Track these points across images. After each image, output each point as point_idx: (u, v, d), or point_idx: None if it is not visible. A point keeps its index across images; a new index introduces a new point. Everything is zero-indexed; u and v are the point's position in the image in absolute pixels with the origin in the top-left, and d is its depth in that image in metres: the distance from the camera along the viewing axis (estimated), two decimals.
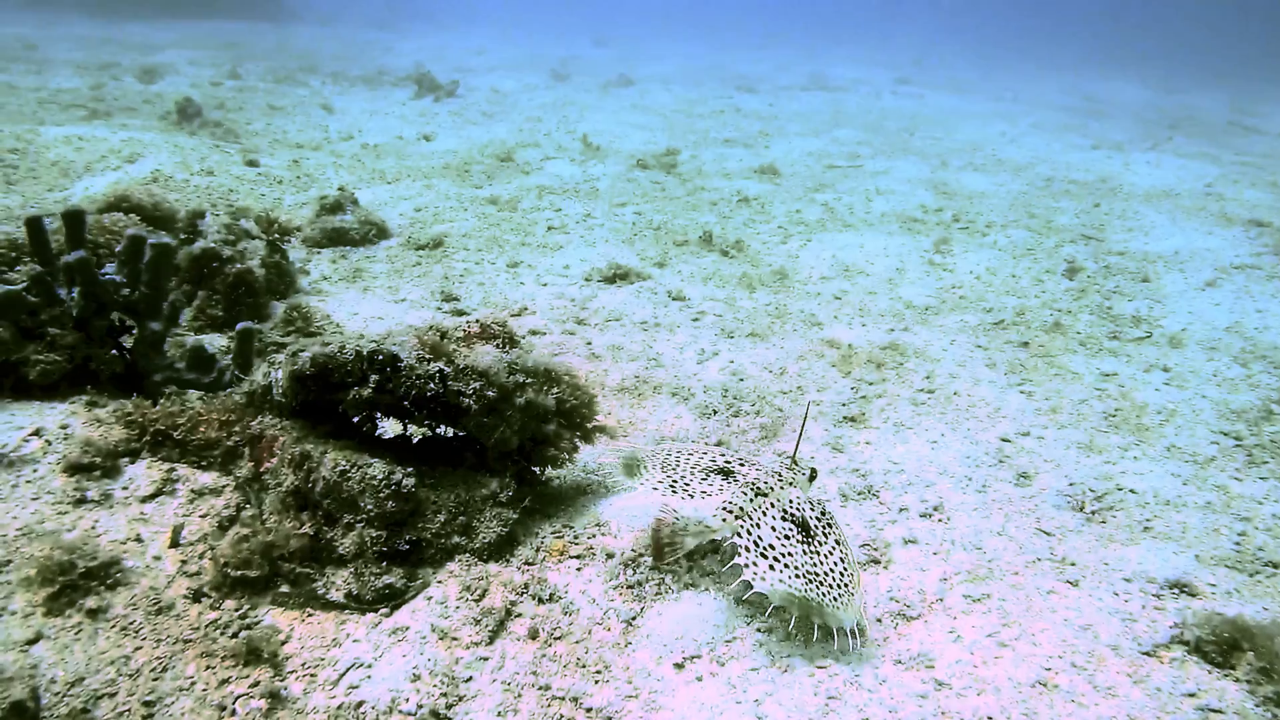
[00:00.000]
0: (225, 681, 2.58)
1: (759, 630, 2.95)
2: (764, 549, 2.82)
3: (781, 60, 25.96)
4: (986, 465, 4.10)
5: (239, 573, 2.87)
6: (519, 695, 2.64)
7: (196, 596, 2.84)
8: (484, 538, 3.20)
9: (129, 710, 2.46)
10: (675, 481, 3.19)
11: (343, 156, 9.21)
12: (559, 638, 2.88)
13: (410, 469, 3.13)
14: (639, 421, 4.38)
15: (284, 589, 2.94)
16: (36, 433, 3.24)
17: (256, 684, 2.58)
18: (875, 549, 3.42)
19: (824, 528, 2.95)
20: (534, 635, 2.89)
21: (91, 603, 2.68)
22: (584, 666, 2.77)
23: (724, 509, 2.97)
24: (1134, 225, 8.28)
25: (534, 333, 5.23)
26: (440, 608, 2.93)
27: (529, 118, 12.57)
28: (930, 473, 4.00)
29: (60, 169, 7.08)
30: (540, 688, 2.67)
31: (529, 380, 3.44)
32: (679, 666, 2.79)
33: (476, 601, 2.97)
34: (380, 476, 3.04)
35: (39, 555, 2.68)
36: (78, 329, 3.50)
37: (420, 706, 2.57)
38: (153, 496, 3.13)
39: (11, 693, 2.34)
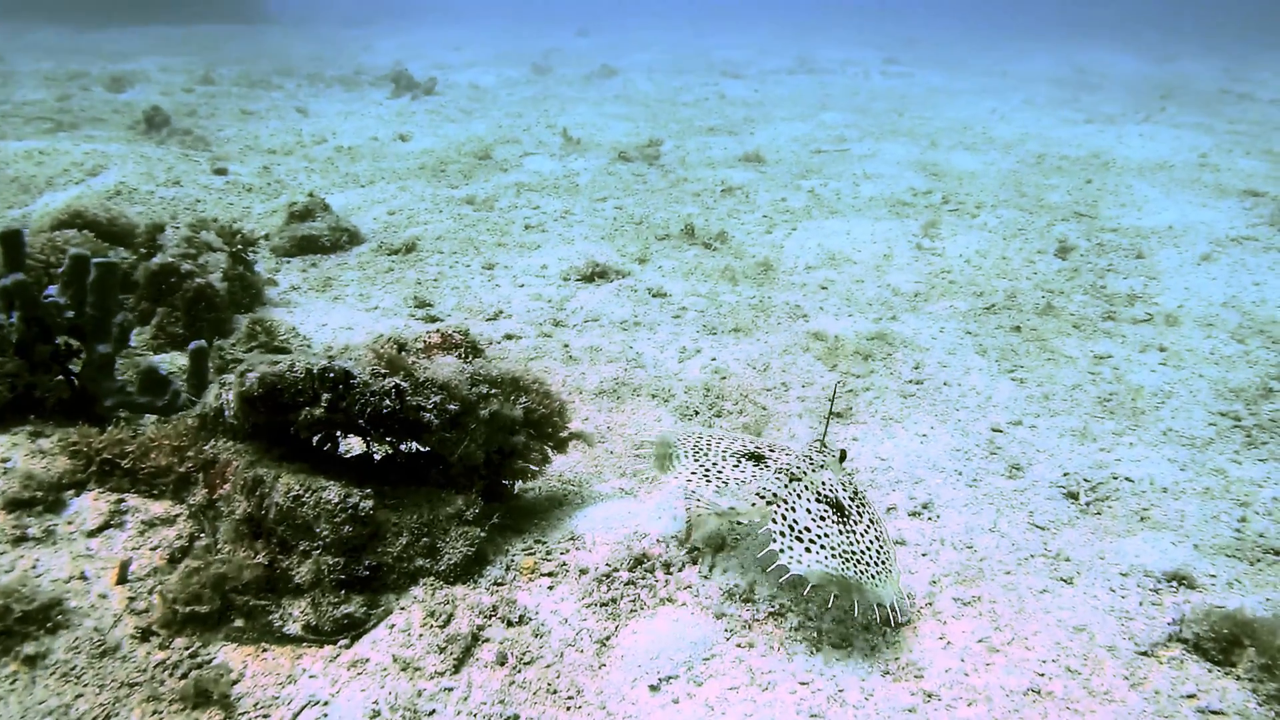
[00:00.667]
0: None
1: (738, 646, 2.81)
2: (799, 532, 2.79)
3: (767, 44, 25.69)
4: (977, 458, 3.95)
5: (189, 609, 2.73)
6: None
7: (145, 635, 2.70)
8: (450, 559, 3.05)
9: None
10: (708, 469, 3.13)
11: (316, 161, 9.03)
12: (529, 662, 2.74)
13: (368, 490, 2.98)
14: (617, 426, 4.24)
15: (238, 623, 2.80)
16: None
17: None
18: None
19: (858, 507, 2.94)
20: (502, 661, 2.75)
21: (29, 649, 2.54)
22: (555, 693, 2.64)
23: (758, 495, 2.92)
24: (1127, 200, 8.11)
25: (509, 337, 5.08)
26: (403, 636, 2.79)
27: (509, 113, 12.37)
28: (919, 469, 3.85)
29: (20, 185, 6.91)
30: (508, 718, 2.54)
31: (494, 391, 3.29)
32: (654, 689, 2.66)
33: (441, 627, 2.83)
34: (335, 500, 2.89)
35: None
36: (19, 355, 3.35)
37: None
38: (100, 530, 2.99)
39: None
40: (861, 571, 2.71)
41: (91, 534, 2.96)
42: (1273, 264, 6.31)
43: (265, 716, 2.51)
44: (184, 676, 2.58)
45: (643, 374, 4.70)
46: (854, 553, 2.76)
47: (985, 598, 3.02)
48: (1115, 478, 3.75)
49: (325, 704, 2.54)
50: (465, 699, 2.59)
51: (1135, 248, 6.72)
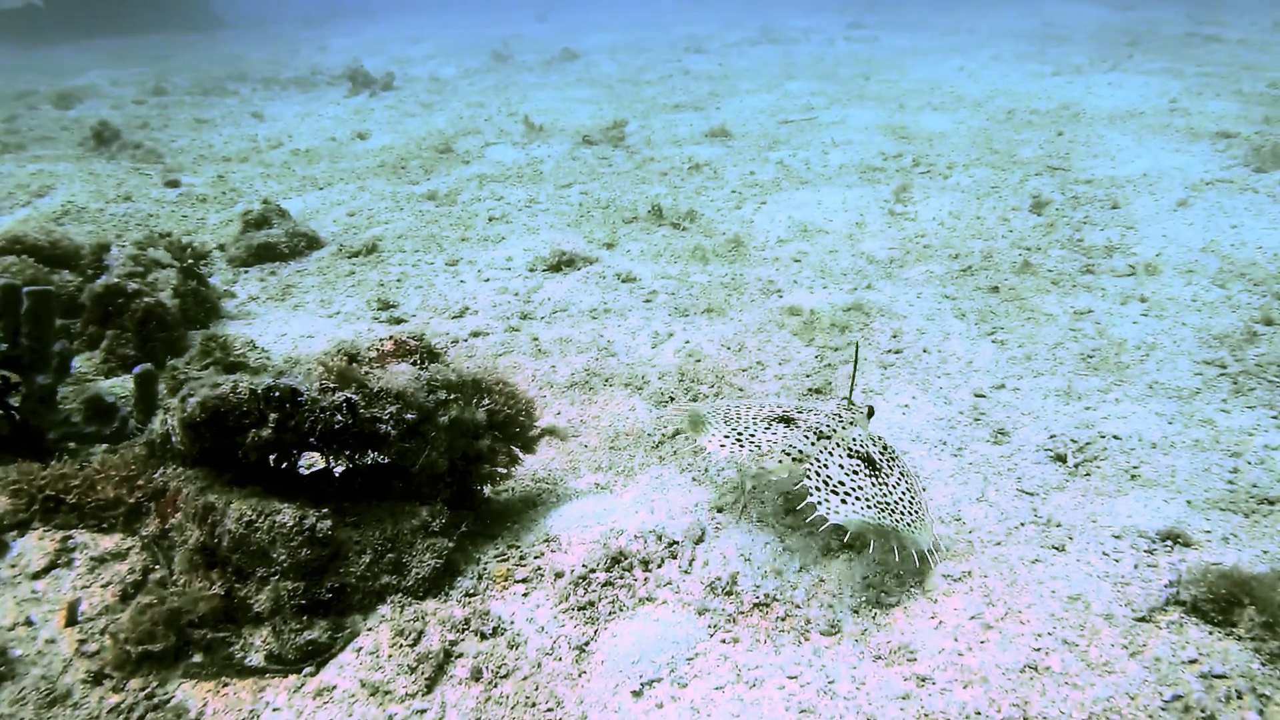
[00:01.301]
0: None
1: (723, 642, 2.70)
2: (834, 486, 2.85)
3: (730, 17, 25.37)
4: (962, 426, 3.85)
5: (142, 648, 2.59)
6: None
7: (97, 679, 2.56)
8: (417, 573, 2.92)
9: None
10: (740, 434, 3.15)
11: (272, 166, 8.78)
12: (505, 676, 2.62)
13: (325, 510, 2.84)
14: (590, 419, 4.10)
15: (196, 659, 2.66)
16: None
17: None
18: (845, 531, 3.16)
19: (888, 461, 3.02)
20: (477, 676, 2.63)
21: None
22: (534, 705, 2.52)
23: (784, 453, 2.98)
24: (1099, 151, 8.00)
25: (476, 334, 4.93)
26: (371, 659, 2.66)
27: (470, 104, 12.11)
28: (902, 441, 3.74)
29: None
30: None
31: (453, 396, 3.15)
32: (637, 694, 2.54)
33: (412, 646, 2.70)
34: (290, 523, 2.75)
35: None
36: None
37: None
38: (46, 571, 2.84)
39: None
40: (897, 520, 2.77)
41: (37, 575, 2.81)
42: (1249, 205, 6.22)
43: None
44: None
45: (615, 363, 4.57)
46: (888, 503, 2.83)
47: (976, 572, 2.92)
48: (1103, 436, 3.65)
49: None
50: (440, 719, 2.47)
51: (1110, 198, 6.61)
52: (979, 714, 2.38)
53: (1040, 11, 21.17)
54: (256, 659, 2.65)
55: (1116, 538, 3.05)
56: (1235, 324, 4.53)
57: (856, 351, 3.43)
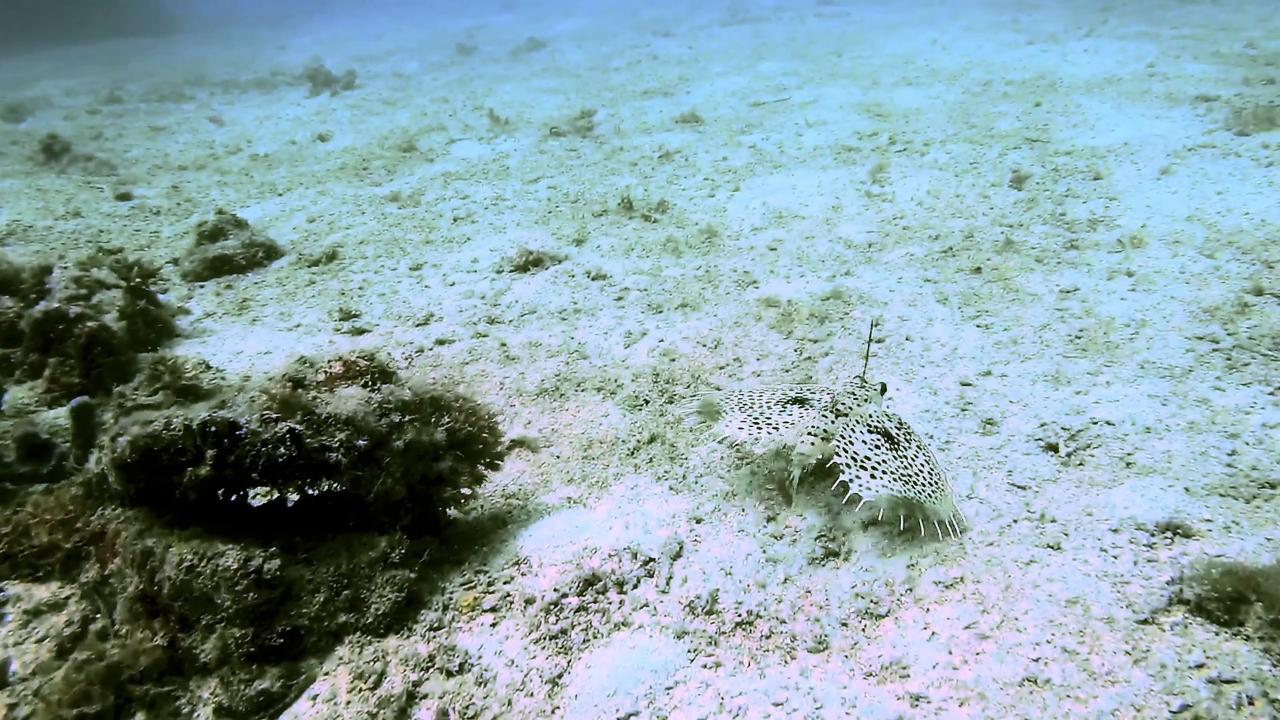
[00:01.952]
0: None
1: (704, 668, 2.54)
2: (861, 461, 2.93)
3: None
4: (948, 417, 3.69)
5: (76, 710, 2.40)
6: None
7: None
8: (377, 609, 2.74)
9: None
10: (757, 419, 3.22)
11: (230, 173, 8.50)
12: (474, 717, 2.45)
13: (274, 549, 2.65)
14: (562, 427, 3.92)
15: (139, 717, 2.47)
16: None
17: None
18: (831, 539, 3.01)
19: (904, 435, 3.09)
20: (444, 718, 2.46)
21: None
22: None
23: (809, 433, 3.07)
24: (1078, 120, 7.84)
25: (441, 342, 4.73)
26: (328, 707, 2.48)
27: (434, 99, 11.81)
28: None
29: None
30: None
31: (408, 418, 2.96)
32: None
33: (372, 689, 2.52)
34: (234, 566, 2.56)
35: None
36: None
37: None
38: None
39: None
40: (920, 491, 2.85)
41: None
42: (1232, 170, 6.08)
43: None
44: None
45: (586, 365, 4.38)
46: (910, 475, 2.91)
47: (969, 577, 2.77)
48: (1095, 423, 3.50)
49: None
50: None
51: (1092, 169, 6.46)
52: None
53: None
54: (205, 713, 2.47)
55: (1114, 532, 2.91)
56: (1226, 295, 4.39)
57: (871, 329, 3.45)
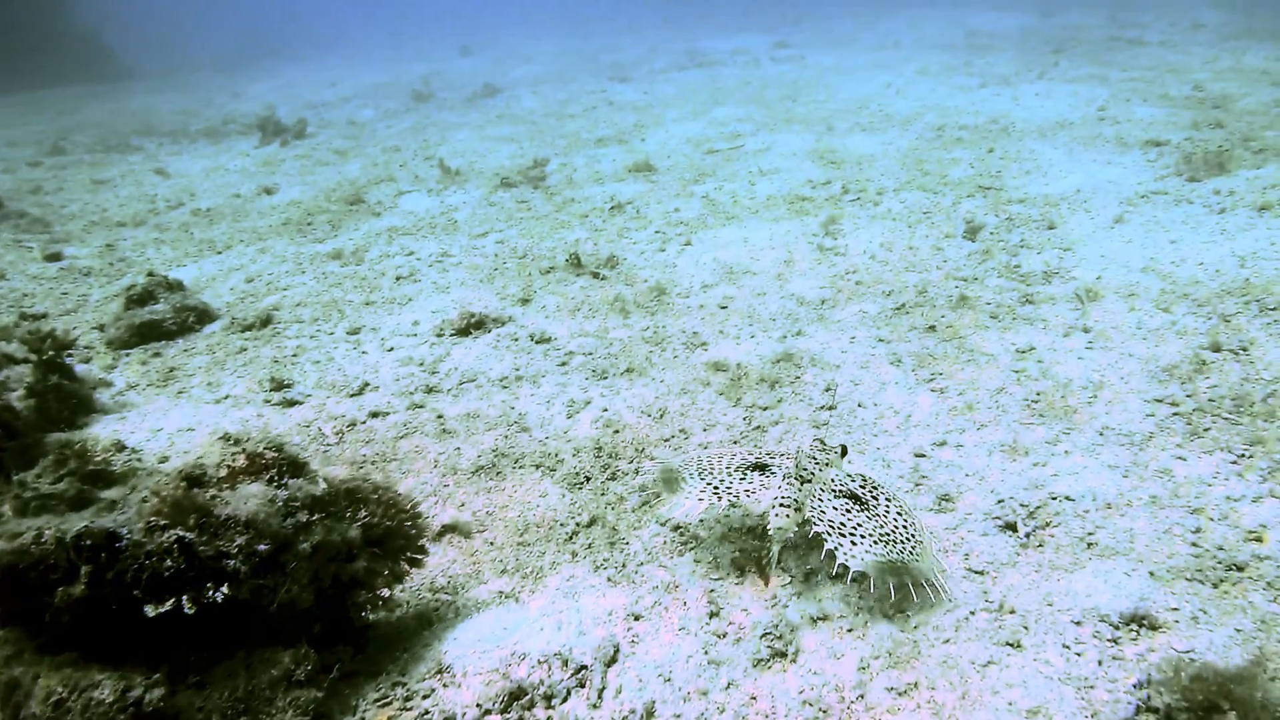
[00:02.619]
0: None
1: None
2: (839, 529, 2.85)
3: (657, 40, 25.31)
4: (903, 493, 3.51)
5: None
6: None
7: None
8: None
9: None
10: (717, 488, 3.08)
11: (169, 229, 8.20)
12: None
13: (158, 675, 2.38)
14: (498, 509, 3.68)
15: None
16: None
17: None
18: (778, 636, 2.79)
19: (870, 492, 3.01)
20: None
21: None
22: None
23: (780, 505, 2.96)
24: (1030, 166, 7.87)
25: (375, 414, 4.47)
26: None
27: (386, 148, 11.63)
28: None
29: None
30: None
31: (318, 515, 2.72)
32: None
33: None
34: (110, 699, 2.28)
35: None
36: None
37: None
38: None
39: None
40: (901, 550, 2.77)
41: None
42: (1185, 218, 6.07)
43: None
44: None
45: (526, 439, 4.16)
46: (888, 535, 2.83)
47: (923, 683, 2.56)
48: (1054, 498, 3.34)
49: None
50: None
51: (1045, 218, 6.42)
52: None
53: (964, 22, 21.46)
54: None
55: (1077, 624, 2.73)
56: (1184, 351, 4.29)
57: (832, 391, 3.27)
